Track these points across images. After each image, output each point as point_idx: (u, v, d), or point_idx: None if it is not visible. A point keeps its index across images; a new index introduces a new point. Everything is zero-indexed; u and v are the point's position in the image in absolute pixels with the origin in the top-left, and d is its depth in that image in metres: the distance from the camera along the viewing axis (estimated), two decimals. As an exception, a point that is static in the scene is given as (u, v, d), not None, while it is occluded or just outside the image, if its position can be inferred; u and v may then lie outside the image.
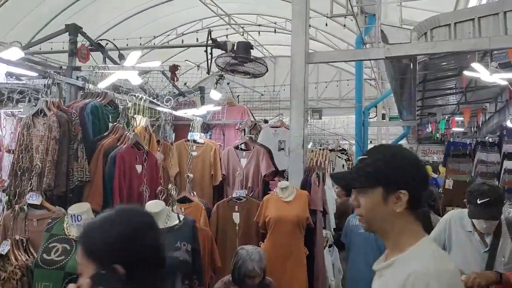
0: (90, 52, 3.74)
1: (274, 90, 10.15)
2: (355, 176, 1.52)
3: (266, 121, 5.84)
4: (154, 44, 12.38)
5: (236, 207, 4.33)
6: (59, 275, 2.46)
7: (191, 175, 4.37)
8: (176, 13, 13.39)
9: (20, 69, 3.05)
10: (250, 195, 4.47)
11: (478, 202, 2.72)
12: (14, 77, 3.22)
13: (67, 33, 3.48)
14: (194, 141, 4.68)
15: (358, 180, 1.50)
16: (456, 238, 2.94)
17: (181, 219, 2.68)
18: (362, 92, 8.41)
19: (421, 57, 5.98)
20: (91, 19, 11.69)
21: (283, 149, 5.24)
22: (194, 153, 4.63)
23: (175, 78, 3.38)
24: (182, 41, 12.20)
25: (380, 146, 1.80)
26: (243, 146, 4.78)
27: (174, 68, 3.20)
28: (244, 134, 4.95)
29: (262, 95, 8.33)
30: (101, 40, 3.64)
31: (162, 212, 2.66)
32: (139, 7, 12.72)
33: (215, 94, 5.44)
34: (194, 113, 4.83)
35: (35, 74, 3.17)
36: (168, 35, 13.97)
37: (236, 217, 4.34)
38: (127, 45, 8.33)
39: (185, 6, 12.92)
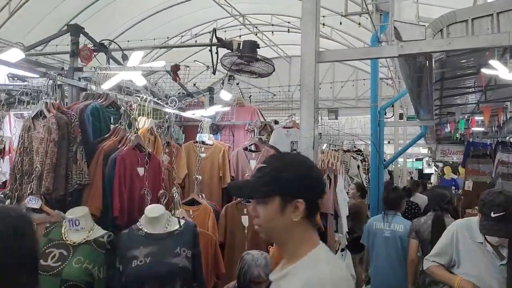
0: (96, 54, 3.70)
1: (289, 90, 10.00)
2: (255, 186, 1.49)
3: (276, 122, 5.71)
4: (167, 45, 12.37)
5: (245, 209, 4.23)
6: (55, 282, 2.39)
7: (199, 177, 4.28)
8: (190, 14, 13.38)
9: (20, 70, 3.00)
10: None
11: (492, 215, 2.45)
12: (16, 78, 3.18)
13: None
14: (203, 143, 4.59)
15: (257, 190, 1.48)
16: (466, 251, 2.68)
17: (182, 223, 2.59)
18: (378, 92, 8.20)
19: (438, 55, 5.77)
20: (108, 21, 11.78)
21: (295, 150, 5.13)
22: (203, 155, 4.54)
23: (177, 78, 3.29)
24: (196, 41, 12.18)
25: (279, 154, 1.77)
26: (252, 148, 4.68)
27: (175, 68, 3.11)
28: (254, 135, 4.85)
29: (275, 95, 8.21)
30: (104, 40, 3.57)
31: (162, 217, 2.58)
32: (154, 8, 12.75)
33: (225, 95, 5.34)
34: (202, 114, 4.74)
35: (36, 75, 3.12)
36: (182, 36, 13.97)
37: (245, 220, 4.25)
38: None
39: (200, 7, 12.90)
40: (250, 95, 7.28)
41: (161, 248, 2.45)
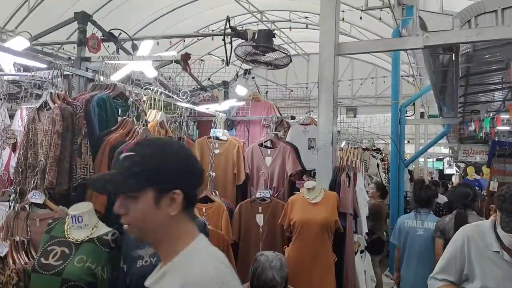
0: (106, 44, 3.56)
1: (307, 88, 9.78)
2: (121, 178, 1.25)
3: (293, 117, 5.51)
4: (184, 41, 12.29)
5: (260, 208, 4.07)
6: (56, 282, 2.25)
7: (213, 174, 4.12)
8: (207, 11, 13.26)
9: (25, 59, 2.87)
10: (275, 195, 4.20)
11: None
12: (22, 69, 3.06)
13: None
14: (217, 138, 4.43)
15: (125, 183, 1.24)
16: (480, 262, 2.29)
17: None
18: (399, 88, 7.94)
19: (464, 49, 5.51)
20: (124, 19, 11.71)
21: (313, 147, 4.96)
22: (217, 151, 4.38)
23: (188, 68, 3.12)
24: (212, 38, 12.03)
25: (148, 140, 1.55)
26: (268, 144, 4.50)
27: (186, 57, 2.94)
28: (270, 131, 4.66)
29: (292, 91, 8.00)
30: (114, 29, 3.42)
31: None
32: (170, 6, 12.66)
33: (240, 90, 5.17)
34: (216, 108, 4.58)
35: (43, 65, 2.99)
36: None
37: (259, 219, 4.07)
38: (158, 43, 8.18)
39: (217, 4, 12.78)
40: (267, 91, 7.08)
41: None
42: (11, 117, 4.86)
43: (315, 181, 3.99)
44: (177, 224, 1.29)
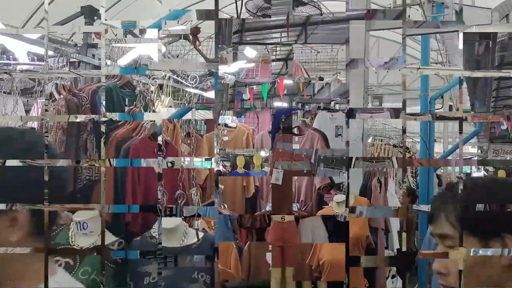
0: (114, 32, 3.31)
1: (332, 50, 9.15)
2: None
3: (321, 79, 5.12)
4: (192, 20, 12.09)
5: (270, 246, 3.27)
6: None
7: (221, 187, 3.80)
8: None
9: (38, 47, 2.78)
10: (302, 209, 3.70)
11: None
12: (36, 58, 2.89)
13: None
14: (226, 125, 4.20)
15: None
16: None
17: (200, 236, 2.17)
18: (428, 80, 7.46)
19: (500, 36, 5.18)
20: (135, 16, 11.59)
21: (340, 135, 4.64)
22: (226, 138, 4.16)
23: (198, 43, 2.83)
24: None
25: None
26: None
27: (196, 31, 2.65)
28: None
29: (319, 52, 7.50)
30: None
31: (178, 228, 2.17)
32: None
33: (249, 51, 4.93)
34: (225, 70, 4.32)
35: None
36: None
37: (269, 257, 3.28)
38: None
39: (226, 2, 12.55)
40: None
41: (176, 270, 2.01)
42: (27, 112, 4.70)
43: (344, 194, 3.57)
44: (21, 256, 0.86)
